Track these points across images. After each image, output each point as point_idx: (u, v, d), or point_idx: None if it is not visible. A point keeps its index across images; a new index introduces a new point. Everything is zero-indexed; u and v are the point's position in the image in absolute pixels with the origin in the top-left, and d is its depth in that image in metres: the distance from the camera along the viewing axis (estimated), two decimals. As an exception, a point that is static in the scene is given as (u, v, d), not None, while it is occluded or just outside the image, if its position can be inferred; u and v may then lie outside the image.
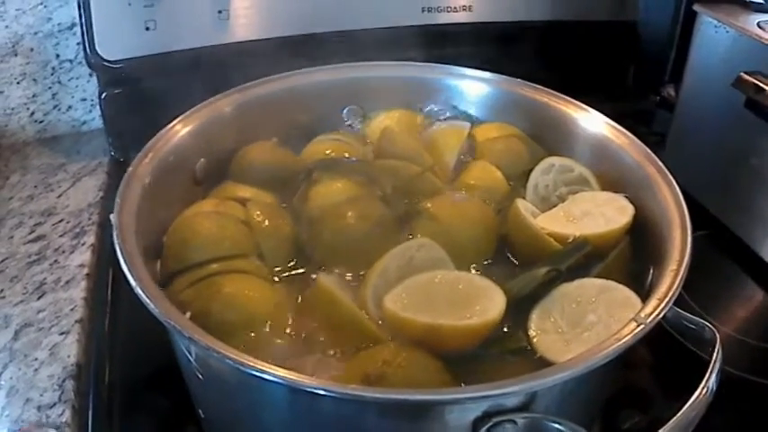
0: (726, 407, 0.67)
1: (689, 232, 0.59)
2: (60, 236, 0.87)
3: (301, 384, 0.45)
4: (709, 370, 0.52)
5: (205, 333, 0.48)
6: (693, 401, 0.50)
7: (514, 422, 0.47)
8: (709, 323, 0.56)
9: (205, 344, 0.46)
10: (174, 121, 0.69)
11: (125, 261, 0.52)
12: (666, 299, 0.52)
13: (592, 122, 0.74)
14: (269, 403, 0.52)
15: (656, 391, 0.74)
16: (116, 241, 0.54)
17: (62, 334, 0.74)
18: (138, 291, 0.50)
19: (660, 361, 0.76)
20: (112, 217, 0.56)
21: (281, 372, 0.45)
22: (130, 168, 0.62)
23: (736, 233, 0.90)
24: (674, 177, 0.66)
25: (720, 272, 0.91)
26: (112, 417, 0.67)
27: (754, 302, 0.88)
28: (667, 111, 1.04)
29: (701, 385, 0.51)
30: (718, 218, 0.92)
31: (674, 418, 0.48)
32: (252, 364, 0.45)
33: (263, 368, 0.45)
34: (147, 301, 0.49)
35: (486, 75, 0.81)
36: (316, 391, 0.45)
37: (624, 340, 0.49)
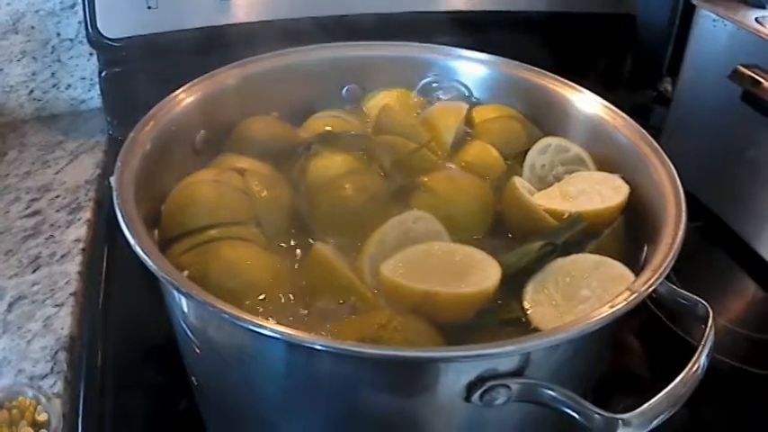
0: (719, 397, 0.68)
1: (683, 208, 0.59)
2: (57, 211, 0.87)
3: (297, 339, 0.45)
4: (701, 346, 0.51)
5: (201, 289, 0.48)
6: (684, 376, 0.49)
7: (508, 387, 0.47)
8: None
9: (201, 298, 0.46)
10: (177, 91, 0.69)
11: (124, 220, 0.52)
12: (661, 269, 0.52)
13: (587, 104, 0.74)
14: (264, 365, 0.51)
15: (648, 377, 0.75)
16: (115, 202, 0.54)
17: (56, 306, 0.74)
18: (137, 248, 0.49)
19: (653, 349, 0.77)
20: (112, 179, 0.56)
21: (277, 326, 0.45)
22: (132, 134, 0.62)
23: (731, 225, 0.91)
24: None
25: (714, 264, 0.92)
26: (105, 388, 0.68)
27: (747, 294, 0.88)
28: (664, 106, 1.05)
29: (693, 360, 0.50)
30: (713, 210, 0.93)
31: (664, 391, 0.48)
32: (248, 318, 0.45)
33: (259, 322, 0.45)
34: (145, 257, 0.49)
35: (484, 56, 0.81)
36: (311, 346, 0.45)
37: (618, 307, 0.49)
